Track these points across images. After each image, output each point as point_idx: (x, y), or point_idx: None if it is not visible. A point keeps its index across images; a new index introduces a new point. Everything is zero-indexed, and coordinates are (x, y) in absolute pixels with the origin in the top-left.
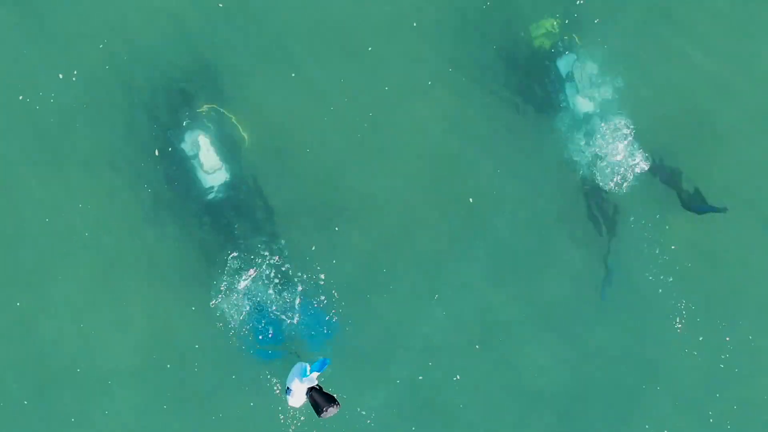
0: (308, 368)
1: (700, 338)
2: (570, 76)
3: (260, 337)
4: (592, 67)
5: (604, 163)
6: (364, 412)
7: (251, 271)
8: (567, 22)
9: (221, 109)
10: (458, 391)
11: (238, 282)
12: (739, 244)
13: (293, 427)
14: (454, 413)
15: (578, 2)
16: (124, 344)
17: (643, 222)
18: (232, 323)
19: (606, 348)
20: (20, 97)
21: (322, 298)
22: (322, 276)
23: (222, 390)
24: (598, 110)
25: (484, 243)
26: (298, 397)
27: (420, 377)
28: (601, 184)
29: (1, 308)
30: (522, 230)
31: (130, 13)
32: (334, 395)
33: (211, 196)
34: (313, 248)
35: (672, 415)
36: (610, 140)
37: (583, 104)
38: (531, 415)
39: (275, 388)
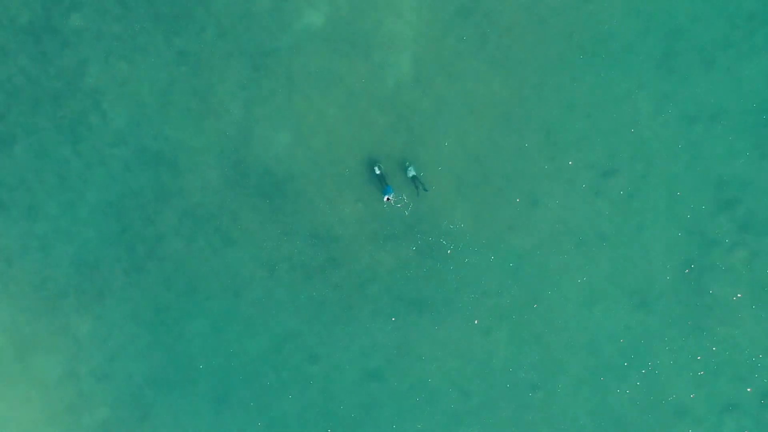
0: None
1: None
2: (411, 167)
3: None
4: (413, 168)
5: (410, 175)
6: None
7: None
8: (411, 163)
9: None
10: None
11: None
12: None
13: (386, 204)
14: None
15: (410, 165)
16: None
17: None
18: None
19: None
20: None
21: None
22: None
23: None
24: (412, 172)
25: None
26: (385, 199)
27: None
28: (412, 178)
29: None
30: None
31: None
32: (392, 201)
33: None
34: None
35: None
36: (411, 173)
37: (410, 172)
38: None
39: (384, 199)
